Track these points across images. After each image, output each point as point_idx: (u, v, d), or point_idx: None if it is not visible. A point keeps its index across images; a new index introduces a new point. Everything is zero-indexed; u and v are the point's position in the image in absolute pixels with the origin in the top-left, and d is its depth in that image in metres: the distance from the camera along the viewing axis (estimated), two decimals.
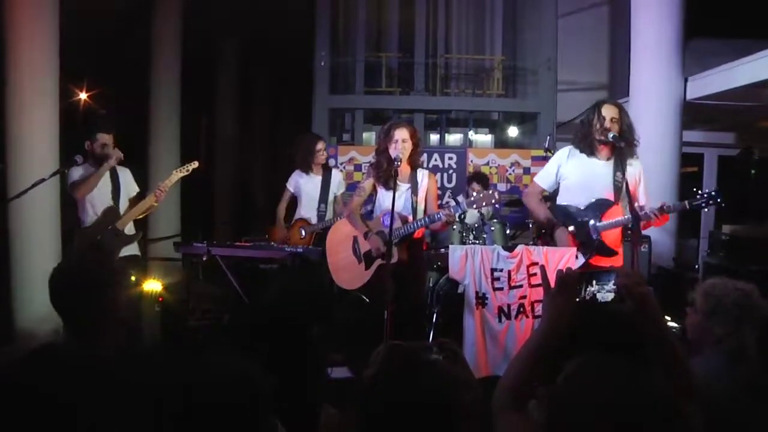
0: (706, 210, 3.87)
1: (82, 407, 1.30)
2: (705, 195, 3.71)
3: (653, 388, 1.31)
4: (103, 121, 4.72)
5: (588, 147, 3.99)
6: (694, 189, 3.88)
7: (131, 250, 4.64)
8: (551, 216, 4.10)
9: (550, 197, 4.52)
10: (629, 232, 4.09)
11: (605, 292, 1.69)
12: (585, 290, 1.70)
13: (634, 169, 3.96)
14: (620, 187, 3.93)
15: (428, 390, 1.40)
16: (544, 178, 4.22)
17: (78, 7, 6.18)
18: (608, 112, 3.90)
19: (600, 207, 3.98)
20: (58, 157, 5.37)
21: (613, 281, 1.69)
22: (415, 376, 1.42)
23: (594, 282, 1.70)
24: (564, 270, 1.68)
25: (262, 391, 1.28)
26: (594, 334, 1.69)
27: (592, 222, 3.97)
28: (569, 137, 4.27)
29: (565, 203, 4.11)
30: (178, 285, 5.38)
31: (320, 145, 5.35)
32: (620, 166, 3.90)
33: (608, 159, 3.99)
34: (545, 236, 4.19)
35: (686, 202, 3.79)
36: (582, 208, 4.01)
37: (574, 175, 4.06)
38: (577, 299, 1.66)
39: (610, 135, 3.85)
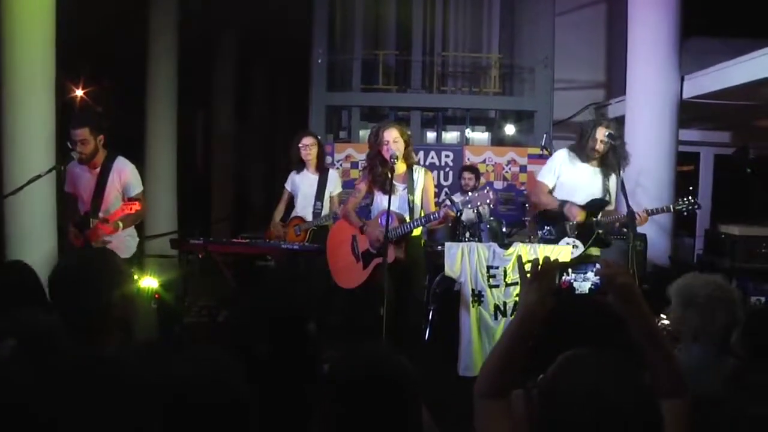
0: (685, 214, 4.46)
1: (79, 407, 1.30)
2: (686, 202, 4.29)
3: (641, 382, 1.32)
4: (75, 116, 4.45)
5: (583, 155, 4.46)
6: (690, 189, 4.18)
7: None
8: (557, 202, 4.45)
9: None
10: (624, 230, 4.41)
11: (582, 281, 1.70)
12: (560, 279, 1.70)
13: (617, 178, 4.39)
14: (609, 190, 4.46)
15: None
16: (548, 176, 4.56)
17: (75, 2, 6.16)
18: (601, 135, 4.37)
19: (597, 205, 4.41)
20: (55, 153, 5.35)
21: (590, 270, 1.69)
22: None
23: (570, 270, 1.70)
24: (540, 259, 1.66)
25: (241, 395, 1.28)
26: (574, 326, 1.69)
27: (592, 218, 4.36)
28: (566, 135, 4.60)
29: (563, 199, 4.45)
30: (175, 282, 5.36)
31: (305, 140, 5.23)
32: (607, 173, 4.45)
33: (599, 166, 4.47)
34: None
35: (671, 205, 4.44)
36: (582, 205, 4.38)
37: (571, 176, 4.47)
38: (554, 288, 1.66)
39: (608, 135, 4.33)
